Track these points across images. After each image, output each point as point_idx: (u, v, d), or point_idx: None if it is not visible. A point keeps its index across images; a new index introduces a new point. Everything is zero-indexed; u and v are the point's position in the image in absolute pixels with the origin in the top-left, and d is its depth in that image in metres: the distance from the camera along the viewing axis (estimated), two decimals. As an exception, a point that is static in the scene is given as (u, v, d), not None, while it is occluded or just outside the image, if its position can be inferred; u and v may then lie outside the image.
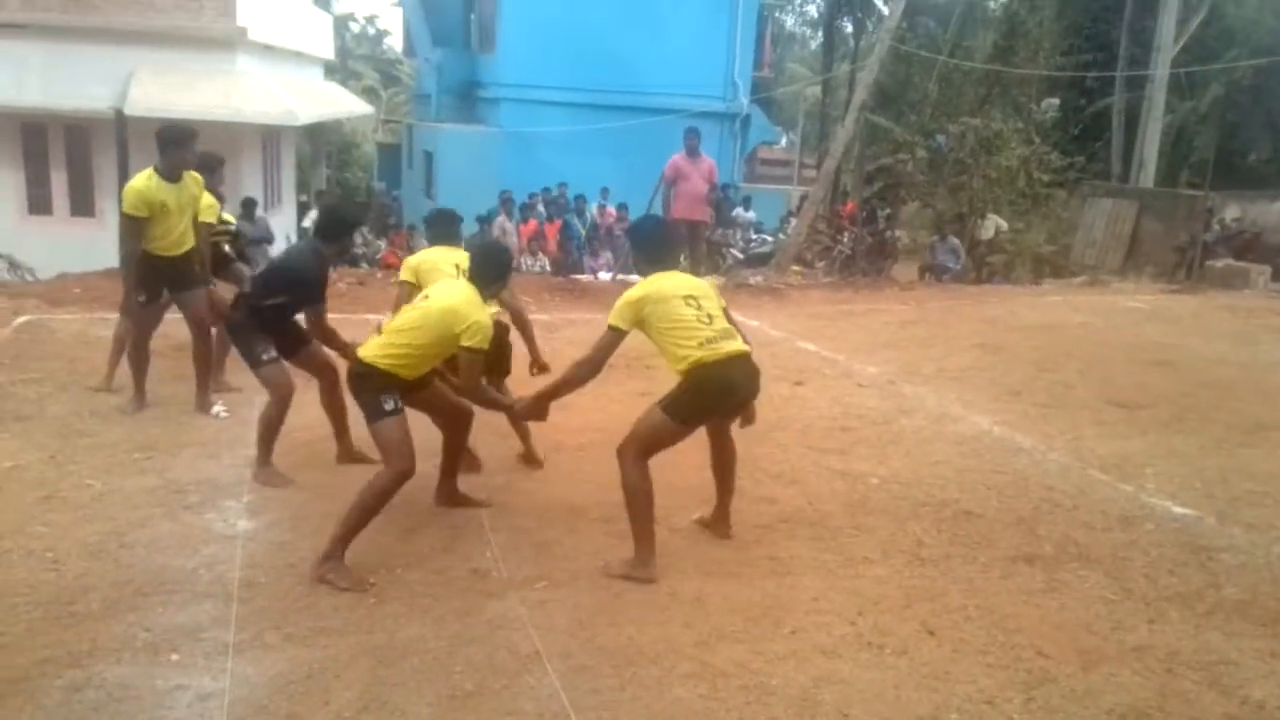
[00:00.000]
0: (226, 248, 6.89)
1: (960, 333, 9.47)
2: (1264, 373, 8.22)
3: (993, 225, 17.15)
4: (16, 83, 13.67)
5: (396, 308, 5.05)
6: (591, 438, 5.95)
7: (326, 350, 5.34)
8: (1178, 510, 5.22)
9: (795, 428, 6.37)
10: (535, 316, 9.43)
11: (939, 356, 8.45)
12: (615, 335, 4.24)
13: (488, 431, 5.38)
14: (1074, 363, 8.27)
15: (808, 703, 3.37)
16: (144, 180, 5.77)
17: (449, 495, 4.90)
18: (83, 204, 14.84)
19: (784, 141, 40.02)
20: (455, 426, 4.79)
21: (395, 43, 40.28)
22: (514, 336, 5.34)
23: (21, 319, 8.06)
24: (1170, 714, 3.41)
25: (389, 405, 4.15)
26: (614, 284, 11.77)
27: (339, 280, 10.53)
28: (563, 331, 8.58)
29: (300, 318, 5.23)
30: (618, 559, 4.33)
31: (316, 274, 5.04)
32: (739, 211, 19.88)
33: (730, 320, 4.37)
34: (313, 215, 13.83)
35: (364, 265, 15.33)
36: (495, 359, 4.84)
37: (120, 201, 6.08)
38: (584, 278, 13.01)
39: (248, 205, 12.91)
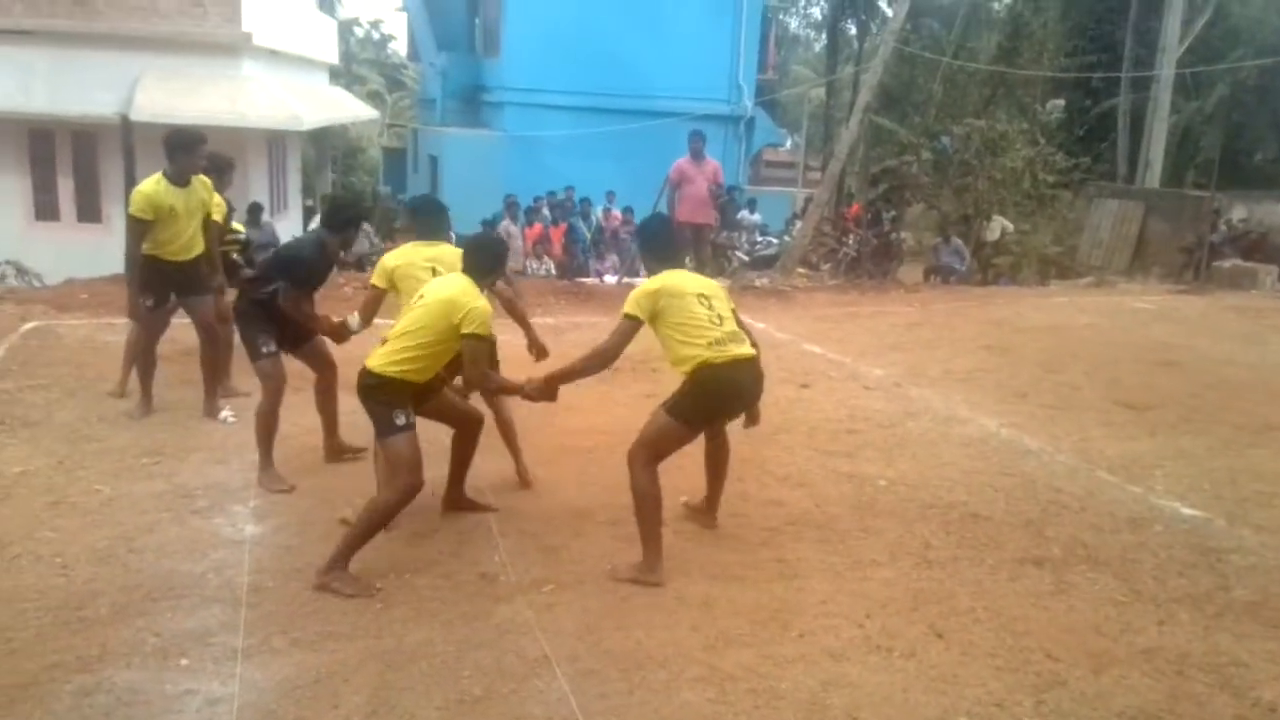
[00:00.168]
0: (236, 256, 6.90)
1: (966, 334, 9.45)
2: (1272, 373, 8.19)
3: (998, 227, 17.13)
4: (23, 89, 13.71)
5: (365, 311, 5.03)
6: (598, 441, 5.96)
7: (328, 347, 5.37)
8: (1187, 511, 5.20)
9: (802, 430, 6.36)
10: (540, 320, 9.45)
11: (945, 358, 8.44)
12: (632, 324, 4.24)
13: (492, 437, 5.38)
14: (1081, 364, 8.25)
15: (816, 706, 3.37)
16: (152, 184, 5.78)
17: (455, 500, 4.90)
18: (89, 210, 14.87)
19: (788, 144, 39.99)
20: (466, 433, 4.77)
21: (400, 47, 40.45)
22: (501, 339, 5.31)
23: (29, 325, 8.08)
24: (1181, 716, 3.39)
25: (400, 420, 4.12)
26: (619, 287, 11.77)
27: (345, 284, 10.55)
28: (569, 335, 8.58)
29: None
30: (625, 563, 4.34)
31: (315, 259, 5.05)
32: (744, 214, 19.85)
33: (740, 322, 4.40)
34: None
35: (369, 267, 15.34)
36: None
37: (125, 207, 6.10)
38: (589, 281, 13.02)
39: (254, 210, 12.94)
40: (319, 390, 5.55)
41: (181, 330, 6.79)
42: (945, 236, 16.46)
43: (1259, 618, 4.09)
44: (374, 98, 33.66)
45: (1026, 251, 17.73)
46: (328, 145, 23.93)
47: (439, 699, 3.34)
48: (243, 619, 3.81)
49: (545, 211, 17.98)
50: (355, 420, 5.74)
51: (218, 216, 6.42)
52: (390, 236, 18.59)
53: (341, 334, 5.15)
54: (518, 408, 5.62)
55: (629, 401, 6.74)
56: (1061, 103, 20.80)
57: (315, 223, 13.18)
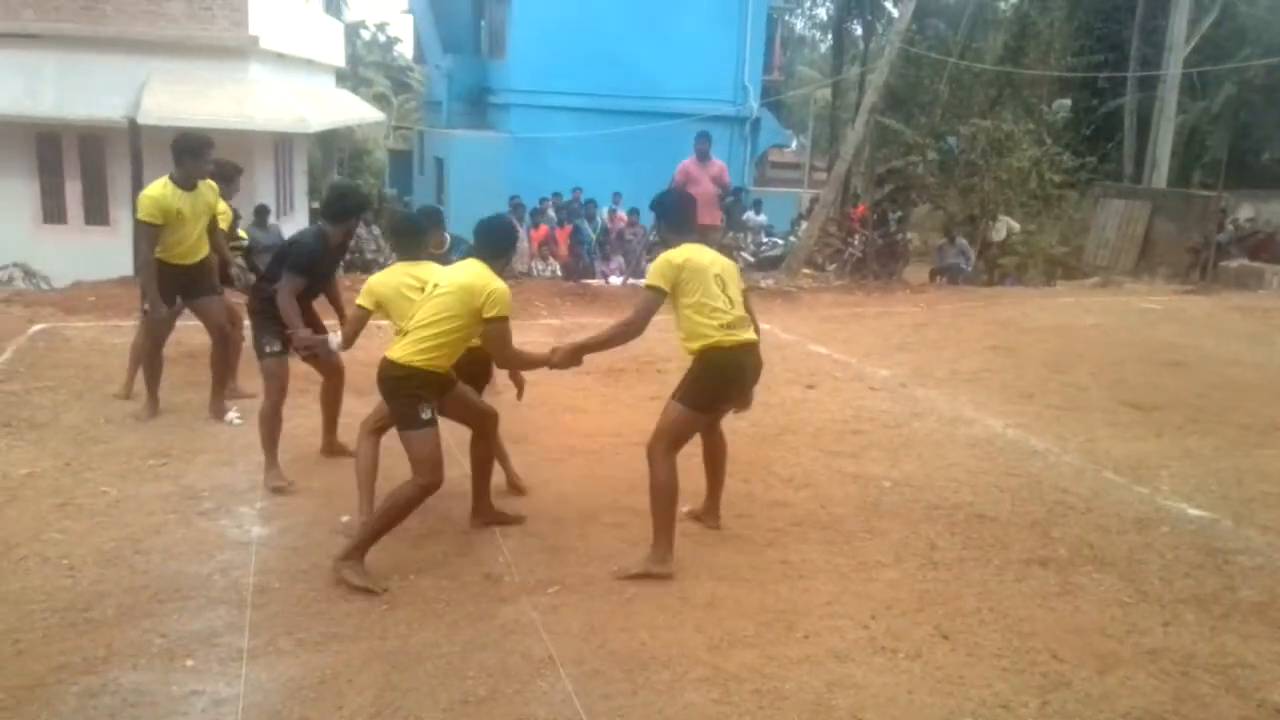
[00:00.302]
0: (239, 261, 6.91)
1: (972, 335, 9.44)
2: (1278, 373, 8.16)
3: (1004, 227, 17.11)
4: (31, 92, 13.77)
5: (349, 330, 4.93)
6: (603, 442, 5.96)
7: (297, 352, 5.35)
8: (1193, 512, 5.19)
9: (807, 431, 6.36)
10: (546, 321, 9.48)
11: (951, 359, 8.43)
12: (656, 294, 4.28)
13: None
14: (1087, 364, 8.24)
15: (821, 707, 3.37)
16: (159, 188, 5.80)
17: (484, 514, 4.80)
18: (97, 213, 14.93)
19: (794, 144, 39.98)
20: (482, 429, 4.73)
21: (406, 50, 40.50)
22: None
23: (37, 327, 8.12)
24: (1186, 717, 3.38)
25: (425, 414, 4.11)
26: (625, 289, 11.78)
27: (351, 287, 10.56)
28: (573, 336, 8.56)
29: (315, 311, 5.27)
30: (633, 559, 4.37)
31: (312, 247, 5.05)
32: (750, 215, 19.86)
33: (748, 305, 4.45)
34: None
35: (376, 270, 15.37)
36: (479, 370, 4.85)
37: (132, 210, 6.11)
38: (595, 282, 13.02)
39: (261, 213, 12.96)
40: (325, 391, 5.60)
41: (186, 333, 6.82)
42: (950, 237, 16.45)
43: (1265, 619, 4.08)
44: (380, 100, 33.75)
45: (1032, 252, 17.71)
46: (334, 147, 24.01)
47: (444, 700, 3.34)
48: (248, 620, 3.82)
49: (551, 213, 18.00)
50: (354, 424, 5.79)
51: (224, 224, 6.44)
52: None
53: (313, 349, 5.05)
54: (520, 409, 5.65)
55: (634, 403, 6.75)
56: (1068, 102, 20.77)
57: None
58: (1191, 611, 4.13)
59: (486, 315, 4.09)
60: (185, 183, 5.85)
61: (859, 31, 29.30)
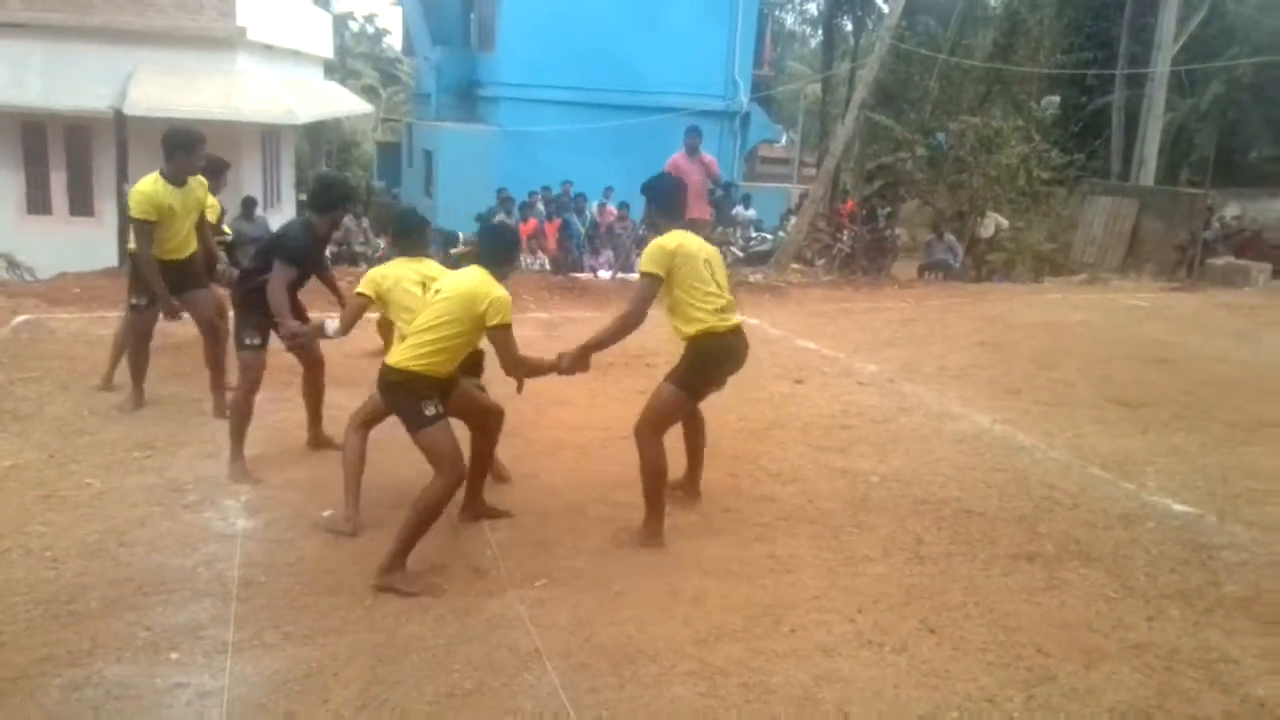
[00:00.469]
0: (223, 254, 6.88)
1: (960, 331, 9.46)
2: (1265, 371, 8.21)
3: (993, 223, 17.13)
4: (16, 82, 13.66)
5: (347, 318, 4.91)
6: (591, 436, 5.96)
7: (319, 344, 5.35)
8: (1178, 508, 5.22)
9: (795, 426, 6.36)
10: (535, 315, 9.46)
11: (939, 354, 8.45)
12: (653, 281, 4.38)
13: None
14: (1074, 361, 8.26)
15: (808, 701, 3.37)
16: (150, 184, 5.75)
17: (475, 510, 4.81)
18: (82, 204, 14.83)
19: (784, 140, 39.99)
20: (486, 428, 4.74)
21: (394, 41, 40.29)
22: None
23: (21, 318, 8.06)
24: (1170, 712, 3.40)
25: (430, 410, 4.08)
26: (614, 283, 11.76)
27: (339, 279, 10.51)
28: (562, 329, 8.58)
29: (301, 302, 5.24)
30: (627, 529, 4.52)
31: (299, 237, 5.03)
32: (739, 209, 19.86)
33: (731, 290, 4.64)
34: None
35: (363, 264, 15.32)
36: (469, 362, 4.78)
37: (117, 201, 6.07)
38: (583, 276, 13.00)
39: (247, 204, 12.90)
40: (306, 383, 5.58)
41: (173, 325, 6.77)
42: (939, 233, 16.47)
43: (1249, 614, 4.10)
44: (369, 92, 33.61)
45: (1020, 248, 17.73)
46: (322, 140, 23.91)
47: (430, 693, 3.33)
48: (233, 613, 3.80)
49: (540, 206, 17.96)
50: (339, 416, 5.77)
51: (211, 218, 6.40)
52: (383, 232, 18.59)
53: (304, 339, 5.05)
54: (507, 402, 5.62)
55: (623, 397, 6.74)
56: (1057, 99, 20.81)
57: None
58: (1176, 607, 4.15)
59: (490, 323, 4.08)
60: (176, 178, 5.81)
61: (849, 27, 29.36)
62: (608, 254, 16.64)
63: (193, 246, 6.03)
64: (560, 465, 5.55)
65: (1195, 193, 18.19)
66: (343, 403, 5.92)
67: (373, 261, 16.09)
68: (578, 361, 4.48)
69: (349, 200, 5.44)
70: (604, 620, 3.85)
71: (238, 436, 5.18)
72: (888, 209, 19.44)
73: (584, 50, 21.32)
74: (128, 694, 3.27)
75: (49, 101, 13.69)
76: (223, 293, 6.28)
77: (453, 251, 13.63)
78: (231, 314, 5.45)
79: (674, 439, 4.82)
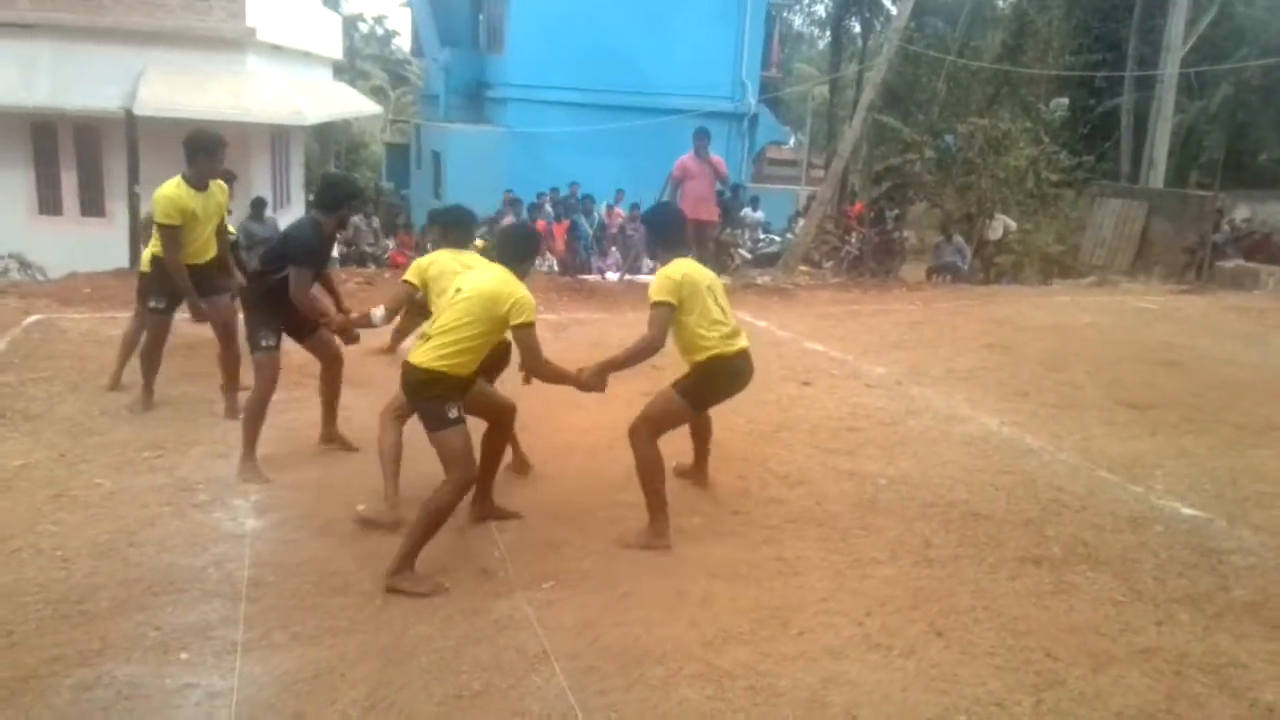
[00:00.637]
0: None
1: (968, 333, 9.44)
2: (1274, 374, 8.18)
3: (1001, 225, 17.12)
4: (26, 83, 13.72)
5: (393, 304, 5.07)
6: (599, 438, 5.96)
7: (337, 339, 5.40)
8: (1187, 512, 5.20)
9: (803, 428, 6.36)
10: (543, 316, 9.46)
11: (947, 357, 8.43)
12: (668, 309, 4.48)
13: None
14: (1083, 363, 8.24)
15: (815, 704, 3.37)
16: (173, 188, 5.77)
17: (485, 510, 4.83)
18: (92, 204, 14.88)
19: (792, 141, 39.99)
20: (499, 425, 4.80)
21: (403, 43, 40.41)
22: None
23: (32, 318, 8.09)
24: (1179, 717, 3.39)
25: (453, 414, 4.12)
26: (621, 284, 11.77)
27: (348, 280, 10.56)
28: (570, 331, 8.58)
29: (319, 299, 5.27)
30: (633, 530, 4.58)
31: (309, 238, 5.05)
32: (747, 211, 19.85)
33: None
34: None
35: (371, 265, 15.36)
36: (496, 360, 4.85)
37: (128, 201, 6.10)
38: (591, 278, 13.01)
39: (257, 205, 12.94)
40: (324, 380, 5.60)
41: (183, 325, 6.79)
42: (947, 235, 16.45)
43: (1258, 618, 4.09)
44: (377, 93, 33.67)
45: (1029, 250, 17.71)
46: (331, 140, 23.98)
47: (438, 694, 3.34)
48: (243, 613, 3.81)
49: (548, 208, 17.99)
50: (345, 415, 5.79)
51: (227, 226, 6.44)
52: (392, 233, 18.64)
53: (351, 330, 5.18)
54: (517, 402, 5.63)
55: (631, 399, 6.71)
56: (1065, 101, 20.78)
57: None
58: (1185, 611, 4.14)
59: (514, 323, 4.12)
60: (198, 182, 5.83)
61: (857, 29, 29.31)
62: (615, 255, 16.66)
63: (213, 251, 6.06)
64: (568, 467, 5.55)
65: (1205, 195, 18.16)
66: (352, 404, 5.96)
67: (381, 262, 16.14)
68: (598, 379, 4.53)
69: (355, 199, 5.48)
70: (611, 622, 3.85)
71: (250, 437, 5.19)
72: (896, 211, 19.42)
73: (592, 52, 21.34)
74: (137, 694, 3.28)
75: (59, 102, 13.75)
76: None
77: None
78: (242, 316, 5.47)
79: (679, 438, 4.84)
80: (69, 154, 14.76)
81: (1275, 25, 23.11)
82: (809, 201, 19.62)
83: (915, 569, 4.43)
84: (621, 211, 18.45)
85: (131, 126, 12.14)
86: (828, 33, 34.54)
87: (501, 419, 4.79)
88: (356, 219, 17.90)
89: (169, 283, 5.94)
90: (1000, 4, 26.66)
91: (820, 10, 37.65)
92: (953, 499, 5.24)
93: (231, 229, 7.30)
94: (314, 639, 3.66)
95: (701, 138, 11.16)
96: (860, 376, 7.71)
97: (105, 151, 14.52)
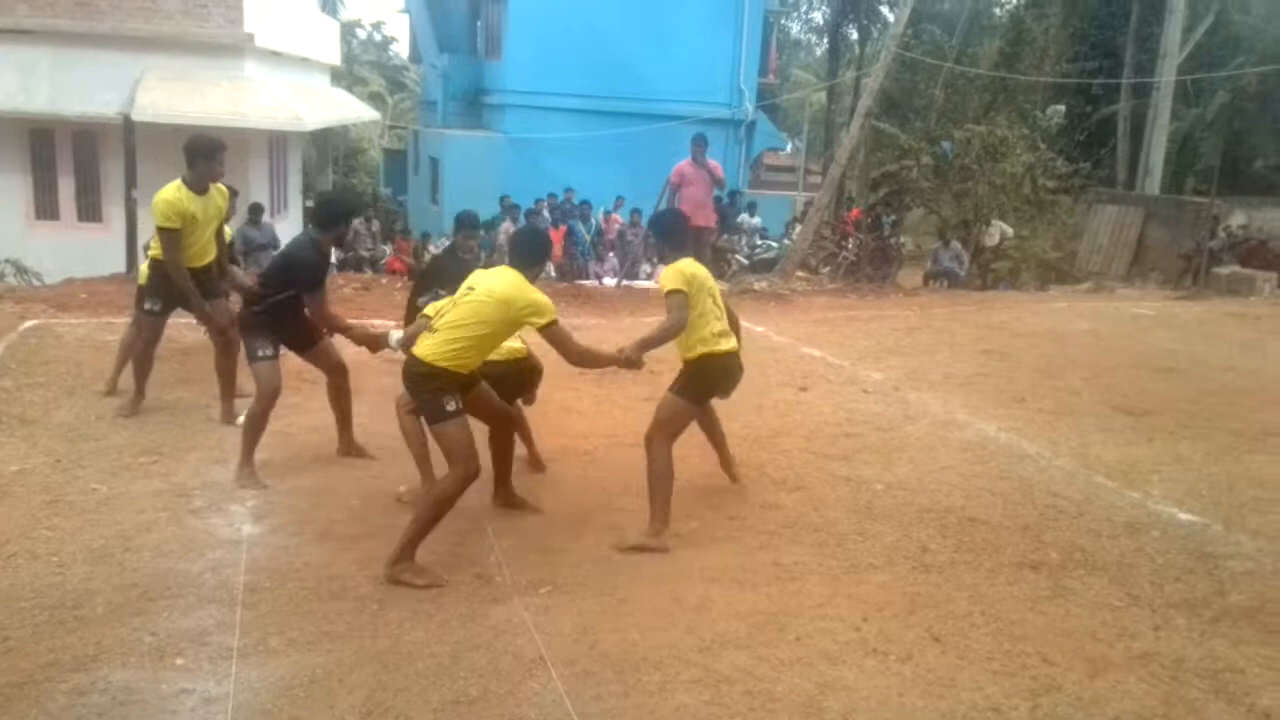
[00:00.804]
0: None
1: (965, 339, 9.45)
2: (1270, 380, 8.19)
3: (998, 232, 17.13)
4: (24, 88, 13.71)
5: (409, 338, 5.03)
6: (597, 443, 5.96)
7: (337, 349, 5.41)
8: (1184, 517, 5.20)
9: (800, 433, 6.36)
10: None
11: (944, 362, 8.44)
12: (682, 295, 4.64)
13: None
14: (1079, 369, 8.25)
15: (812, 709, 3.36)
16: (173, 191, 5.78)
17: (507, 499, 4.97)
18: (90, 209, 14.86)
19: (789, 148, 40.02)
20: (502, 426, 4.89)
21: (401, 49, 40.42)
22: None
23: (28, 324, 8.09)
24: (1176, 722, 3.39)
25: (450, 406, 4.17)
26: (618, 290, 11.78)
27: (344, 285, 10.57)
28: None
29: (307, 320, 5.26)
30: (632, 533, 4.64)
31: (312, 260, 5.06)
32: (744, 217, 19.88)
33: (731, 312, 5.03)
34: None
35: (368, 270, 15.36)
36: (526, 381, 5.17)
37: (125, 207, 6.10)
38: (589, 283, 13.02)
39: (255, 211, 12.94)
40: (331, 391, 5.61)
41: (179, 330, 6.81)
42: (945, 240, 16.48)
43: (1255, 623, 4.09)
44: (375, 99, 33.67)
45: (1026, 256, 17.74)
46: (329, 146, 24.00)
47: (434, 700, 3.33)
48: (239, 619, 3.81)
49: (545, 214, 18.00)
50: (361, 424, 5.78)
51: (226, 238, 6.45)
52: (390, 239, 18.65)
53: (376, 344, 5.18)
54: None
55: (628, 404, 6.75)
56: (1062, 108, 20.83)
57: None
58: (1182, 616, 4.14)
59: (539, 325, 4.23)
60: (198, 186, 5.84)
61: (855, 35, 29.36)
62: (613, 261, 16.67)
63: (211, 255, 6.07)
64: (566, 472, 5.55)
65: (1201, 202, 18.20)
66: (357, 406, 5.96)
67: (377, 267, 16.14)
68: (636, 355, 4.69)
69: (354, 216, 5.51)
70: (608, 627, 3.85)
71: (249, 445, 5.19)
72: (893, 217, 19.44)
73: (590, 58, 21.37)
74: (133, 699, 3.27)
75: (57, 107, 13.73)
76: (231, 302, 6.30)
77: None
78: (241, 335, 5.49)
79: (694, 440, 4.85)
80: (66, 160, 14.74)
81: (1271, 33, 23.19)
82: (806, 207, 19.64)
83: (912, 574, 4.43)
84: (620, 218, 18.47)
85: (129, 132, 12.15)
86: (825, 39, 34.61)
87: (503, 420, 4.88)
88: (356, 222, 17.92)
89: (167, 286, 5.94)
90: (997, 11, 26.76)
91: (818, 17, 37.67)
92: (950, 505, 5.24)
93: (228, 230, 7.31)
94: (310, 644, 3.65)
95: (699, 144, 11.18)
96: (857, 382, 7.72)
97: (103, 157, 14.51)
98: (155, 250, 5.99)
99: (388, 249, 17.94)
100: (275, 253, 12.78)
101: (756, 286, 12.34)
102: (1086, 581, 4.41)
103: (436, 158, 24.02)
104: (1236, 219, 18.11)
